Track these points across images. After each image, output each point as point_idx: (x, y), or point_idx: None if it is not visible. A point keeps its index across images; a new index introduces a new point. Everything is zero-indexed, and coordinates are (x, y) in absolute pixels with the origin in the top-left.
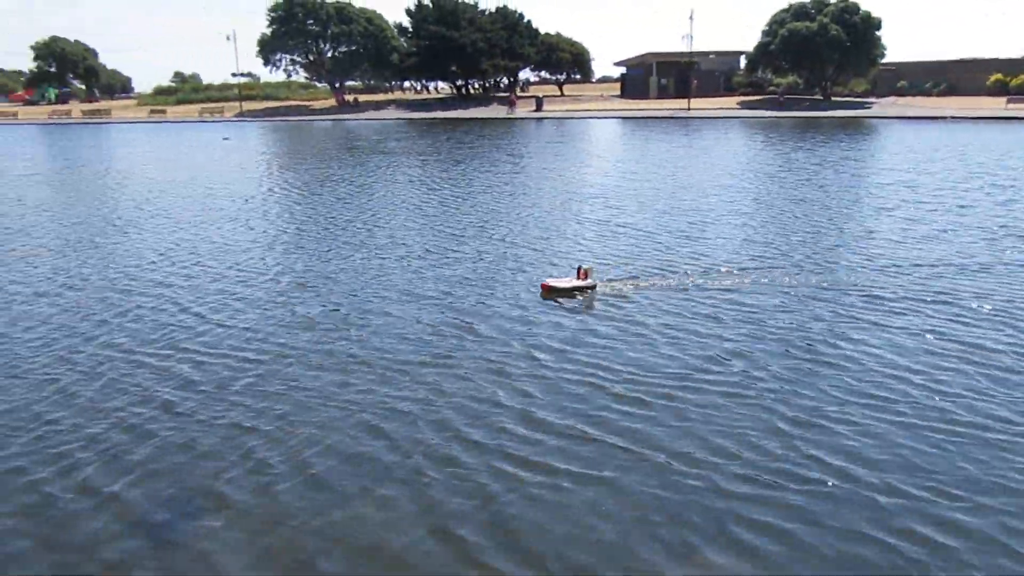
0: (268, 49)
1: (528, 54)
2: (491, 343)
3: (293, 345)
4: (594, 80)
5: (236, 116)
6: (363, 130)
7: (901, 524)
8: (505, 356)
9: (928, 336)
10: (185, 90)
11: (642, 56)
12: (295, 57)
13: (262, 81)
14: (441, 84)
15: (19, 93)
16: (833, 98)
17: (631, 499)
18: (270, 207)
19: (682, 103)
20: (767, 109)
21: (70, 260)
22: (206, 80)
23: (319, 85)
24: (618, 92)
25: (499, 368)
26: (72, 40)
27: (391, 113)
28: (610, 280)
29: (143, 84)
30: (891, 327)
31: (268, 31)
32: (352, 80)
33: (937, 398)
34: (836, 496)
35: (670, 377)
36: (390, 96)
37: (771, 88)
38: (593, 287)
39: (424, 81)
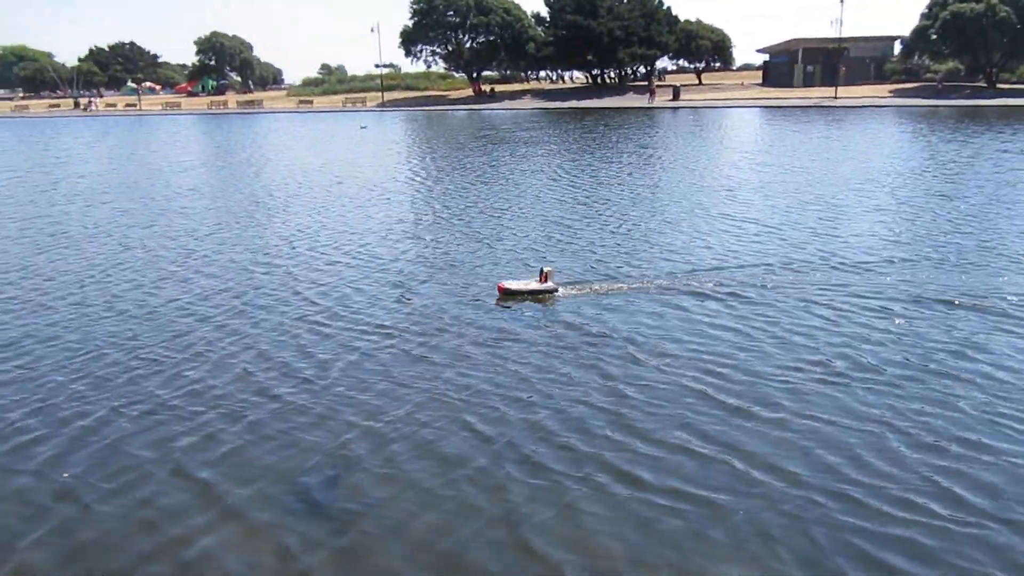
0: (409, 40)
1: (666, 42)
2: (605, 340)
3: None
4: (734, 68)
5: (377, 106)
6: (498, 119)
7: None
8: (605, 347)
9: None
10: (331, 81)
11: (787, 42)
12: (435, 48)
13: (403, 72)
14: (576, 73)
15: (183, 85)
16: (999, 86)
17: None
18: (394, 194)
19: (828, 92)
20: (923, 97)
21: (213, 241)
22: (350, 72)
23: (457, 75)
24: (760, 80)
25: (596, 359)
26: (230, 35)
27: (526, 103)
28: (570, 283)
29: (293, 76)
30: None
31: (410, 23)
32: (489, 70)
33: None
34: (951, 531)
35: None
36: (526, 86)
37: (928, 75)
38: (553, 291)
39: (560, 71)
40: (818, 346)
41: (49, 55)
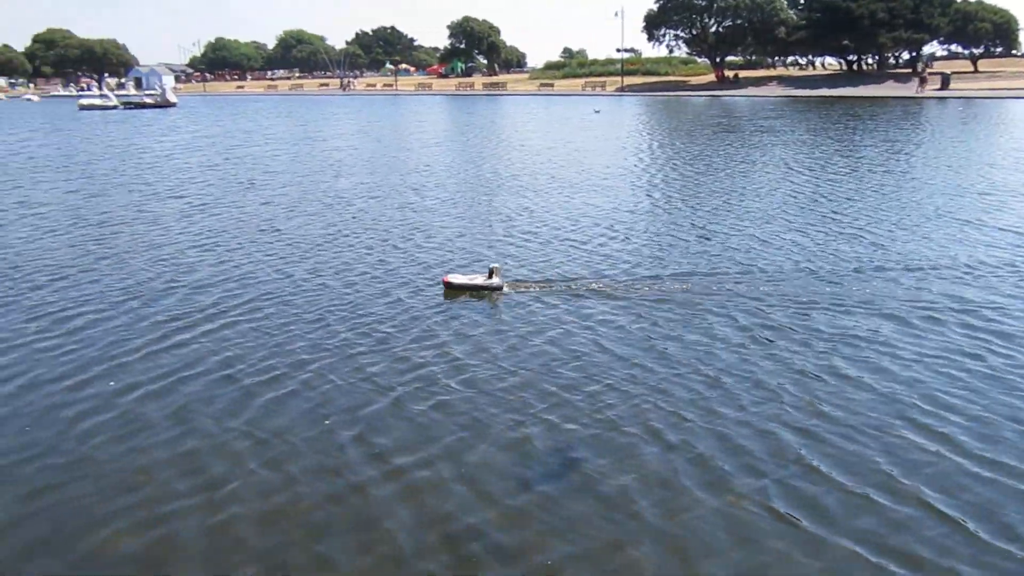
0: (653, 24)
1: (937, 25)
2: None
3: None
4: (1019, 54)
5: (616, 90)
6: (737, 107)
7: None
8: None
9: None
10: (572, 65)
11: None
12: (678, 32)
13: (643, 56)
14: (829, 59)
15: (434, 67)
16: None
17: None
18: (604, 179)
19: None
20: None
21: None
22: (591, 56)
23: (699, 60)
24: None
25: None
26: (480, 19)
27: (771, 90)
28: (517, 281)
29: (536, 59)
30: None
31: (655, 7)
32: (733, 55)
33: None
34: None
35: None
36: (771, 72)
37: None
38: (499, 288)
39: (810, 56)
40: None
41: (322, 38)
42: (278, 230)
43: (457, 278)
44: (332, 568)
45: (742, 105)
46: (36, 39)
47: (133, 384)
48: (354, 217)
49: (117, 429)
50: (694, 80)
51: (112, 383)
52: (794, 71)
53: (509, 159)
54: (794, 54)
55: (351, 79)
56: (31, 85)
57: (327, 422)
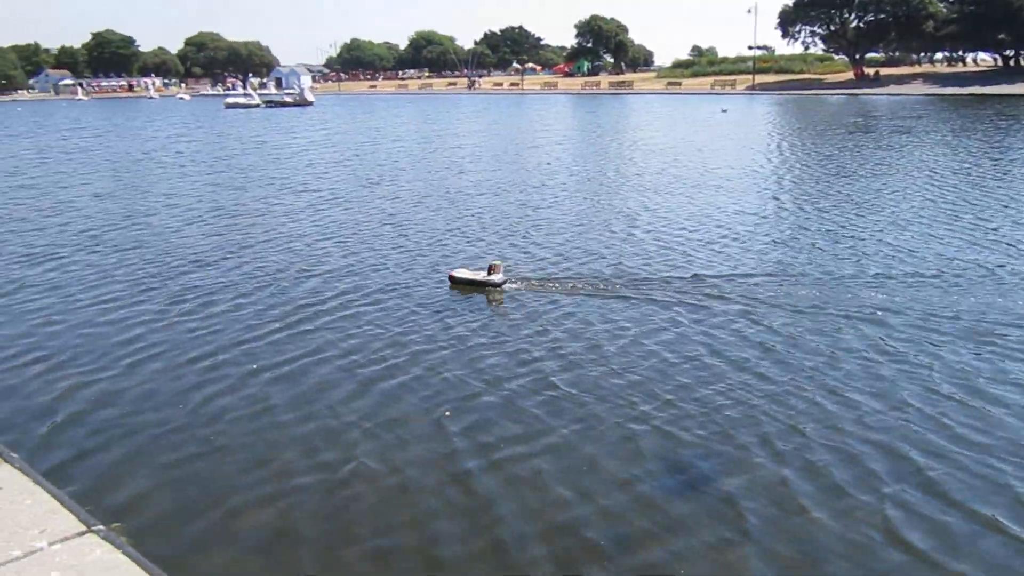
0: (788, 20)
1: None
2: None
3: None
4: None
5: (747, 89)
6: (877, 106)
7: None
8: None
9: None
10: (701, 63)
11: None
12: (815, 28)
13: (776, 54)
14: (982, 55)
15: (560, 66)
16: None
17: None
18: (720, 180)
19: None
20: None
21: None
22: (721, 53)
23: (836, 57)
24: None
25: None
26: (608, 18)
27: (916, 88)
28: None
29: (663, 58)
30: None
31: (790, 2)
32: (874, 52)
33: None
34: None
35: None
36: (916, 69)
37: None
38: (499, 284)
39: (961, 52)
40: None
41: (452, 39)
42: (402, 224)
43: (463, 273)
44: (438, 549)
45: (882, 104)
46: (188, 42)
47: (261, 368)
48: (474, 215)
49: (245, 409)
50: (830, 78)
51: (243, 367)
52: (942, 68)
53: (631, 157)
54: (943, 49)
55: (476, 78)
56: (182, 85)
57: (438, 412)
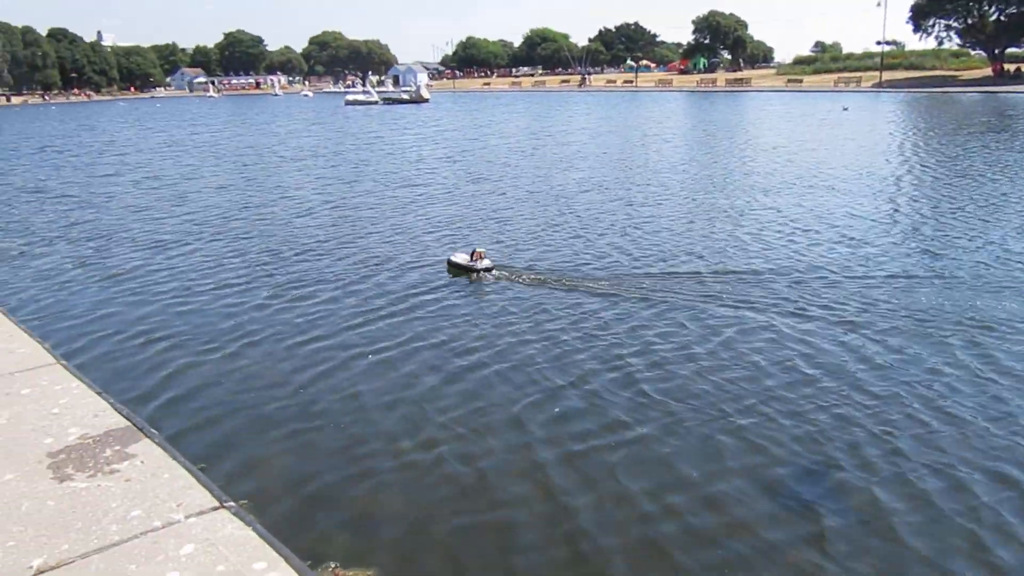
0: (921, 14)
1: None
2: None
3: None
4: None
5: (873, 86)
6: (1017, 105)
7: None
8: None
9: None
10: (824, 60)
11: None
12: (950, 22)
13: (906, 49)
14: None
15: (675, 63)
16: None
17: None
18: (830, 180)
19: None
20: None
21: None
22: (847, 49)
23: (973, 53)
24: None
25: None
26: (727, 13)
27: None
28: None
29: (784, 54)
30: None
31: None
32: (1015, 46)
33: None
34: None
35: None
36: None
37: None
38: (488, 269)
39: None
40: None
41: (566, 36)
42: (504, 220)
43: (459, 257)
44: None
45: (1021, 103)
46: (312, 41)
47: (355, 357)
48: (575, 212)
49: (340, 395)
50: (965, 75)
51: (350, 352)
52: None
53: (740, 156)
54: None
55: (587, 75)
56: (306, 82)
57: (520, 404)
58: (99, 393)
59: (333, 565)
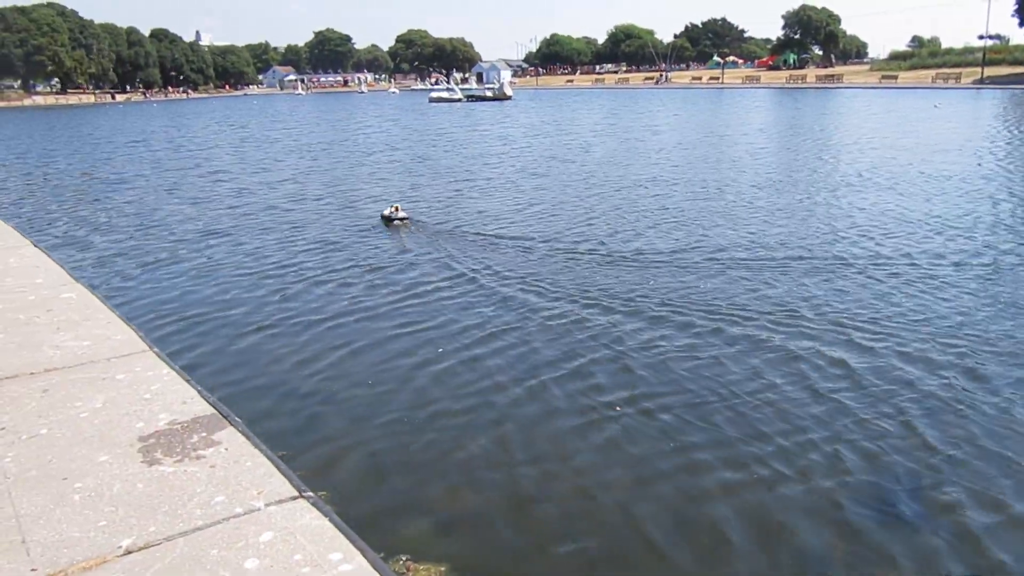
0: None
1: None
2: None
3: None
4: None
5: (974, 82)
6: None
7: None
8: None
9: None
10: (921, 55)
11: None
12: None
13: (1011, 44)
14: None
15: (763, 59)
16: None
17: None
18: (920, 183)
19: None
20: None
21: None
22: (946, 44)
23: None
24: None
25: None
26: (819, 7)
27: None
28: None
29: (879, 49)
30: None
31: None
32: None
33: None
34: None
35: None
36: None
37: None
38: (401, 220)
39: None
40: None
41: (651, 32)
42: (558, 216)
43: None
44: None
45: None
46: (399, 39)
47: (444, 354)
48: (643, 211)
49: (417, 396)
50: None
51: (436, 348)
52: None
53: (816, 154)
54: None
55: (664, 72)
56: (391, 80)
57: (617, 406)
58: (188, 380)
59: (405, 558)
